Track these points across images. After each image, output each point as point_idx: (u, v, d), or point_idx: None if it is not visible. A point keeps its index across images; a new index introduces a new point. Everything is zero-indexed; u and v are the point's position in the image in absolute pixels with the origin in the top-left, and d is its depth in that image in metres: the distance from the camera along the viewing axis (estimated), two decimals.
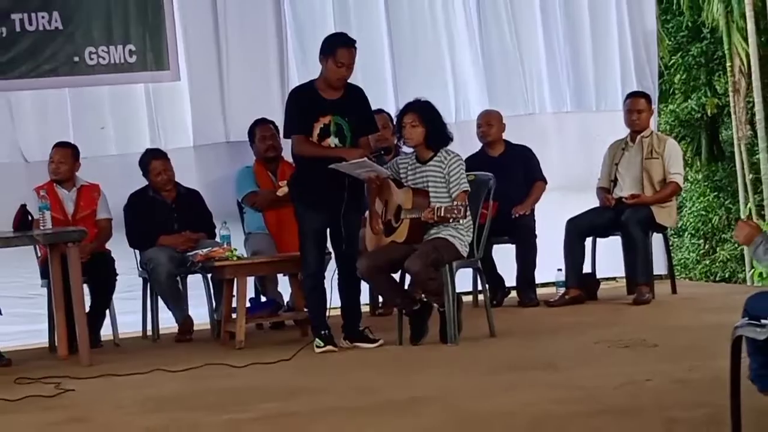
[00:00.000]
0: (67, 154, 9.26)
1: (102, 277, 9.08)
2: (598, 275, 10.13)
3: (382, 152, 8.45)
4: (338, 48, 8.01)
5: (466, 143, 9.70)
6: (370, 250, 8.27)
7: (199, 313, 9.49)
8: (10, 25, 9.81)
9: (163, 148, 9.79)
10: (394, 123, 8.62)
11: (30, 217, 8.74)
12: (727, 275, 23.03)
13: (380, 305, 9.94)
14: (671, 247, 11.02)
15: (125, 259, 9.49)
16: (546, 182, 10.02)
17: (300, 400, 6.41)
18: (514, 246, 9.83)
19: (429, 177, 8.04)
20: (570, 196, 10.42)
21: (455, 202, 7.86)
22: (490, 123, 10.07)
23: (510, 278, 9.98)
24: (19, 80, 9.90)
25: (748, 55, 20.49)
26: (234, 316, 8.66)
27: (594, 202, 10.00)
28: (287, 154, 8.84)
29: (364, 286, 8.59)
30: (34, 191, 9.00)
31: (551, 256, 9.85)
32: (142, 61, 10.19)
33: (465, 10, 11.04)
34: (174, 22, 10.26)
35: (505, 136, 10.08)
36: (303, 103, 8.10)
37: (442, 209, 7.81)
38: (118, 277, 9.26)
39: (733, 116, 22.11)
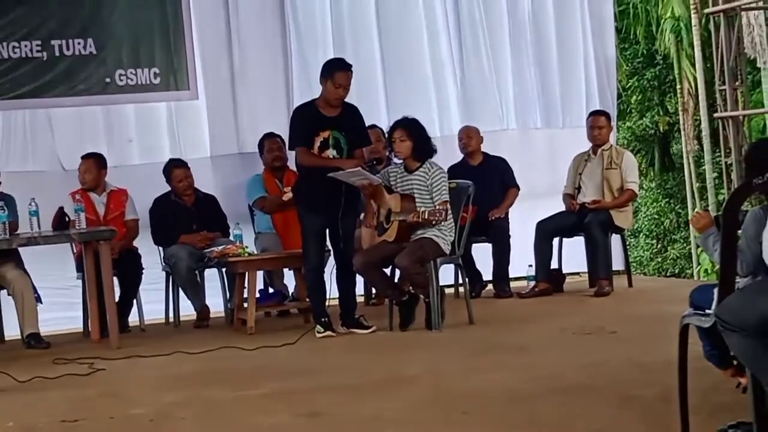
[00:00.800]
0: (91, 163, 9.23)
1: (130, 270, 9.06)
2: (564, 270, 10.11)
3: (375, 162, 8.44)
4: (336, 71, 8.01)
5: (448, 155, 9.69)
6: (364, 248, 8.28)
7: (215, 303, 9.47)
8: (50, 50, 9.79)
9: (184, 158, 9.78)
10: (386, 137, 8.62)
11: (67, 219, 8.74)
12: (677, 271, 23.01)
13: (373, 296, 9.92)
14: (628, 246, 10.99)
15: (150, 255, 9.47)
16: (519, 189, 10.01)
17: (303, 379, 6.42)
18: (490, 245, 9.82)
19: (414, 185, 8.06)
20: (539, 201, 10.40)
21: (437, 206, 7.88)
22: (470, 136, 10.06)
23: (487, 273, 9.96)
24: (57, 99, 9.87)
25: (695, 79, 20.49)
26: (245, 305, 8.65)
27: (560, 207, 9.99)
28: (292, 164, 8.83)
29: (359, 280, 8.60)
30: (70, 196, 9.00)
31: (523, 254, 9.86)
32: (165, 83, 10.17)
33: (447, 38, 11.03)
34: (194, 49, 10.23)
35: (483, 148, 10.07)
36: (305, 119, 8.10)
37: (426, 213, 7.84)
38: (144, 271, 9.25)
39: (682, 132, 22.12)
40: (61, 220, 8.72)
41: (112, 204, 9.22)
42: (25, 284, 8.57)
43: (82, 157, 9.27)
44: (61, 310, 9.44)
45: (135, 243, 9.31)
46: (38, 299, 8.65)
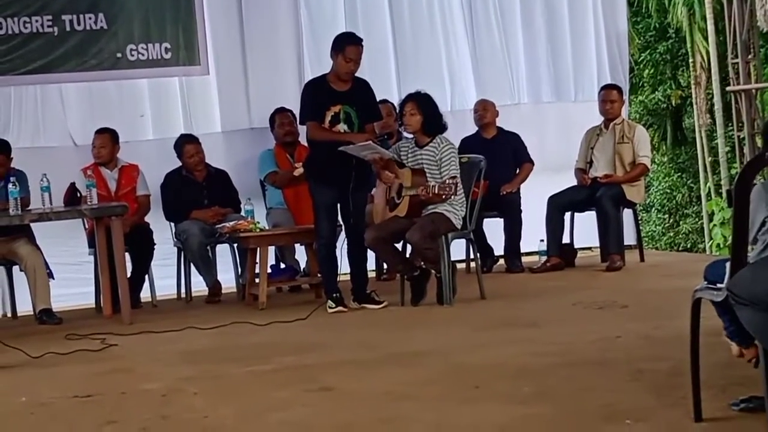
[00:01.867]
0: (106, 138, 9.24)
1: (142, 246, 9.07)
2: (576, 245, 10.11)
3: (386, 137, 8.44)
4: (347, 45, 8.00)
5: (459, 129, 9.69)
6: (375, 223, 8.28)
7: (227, 278, 9.49)
8: (61, 25, 9.78)
9: (195, 133, 9.78)
10: (397, 111, 8.61)
11: (78, 194, 8.75)
12: (689, 246, 22.96)
13: (384, 271, 9.93)
14: (640, 221, 11.00)
15: (162, 230, 9.48)
16: (533, 164, 10.00)
17: (314, 354, 6.43)
18: (502, 219, 9.82)
19: (425, 159, 8.05)
20: (551, 175, 10.39)
21: (447, 181, 7.86)
22: (486, 108, 10.07)
23: (498, 248, 9.96)
24: (68, 74, 9.86)
25: (708, 53, 20.40)
26: (257, 280, 8.67)
27: (572, 181, 9.98)
28: (303, 139, 8.82)
29: (371, 255, 8.61)
30: (81, 171, 9.01)
31: (534, 229, 9.84)
32: (176, 58, 10.15)
33: (460, 13, 11.01)
34: (204, 24, 10.22)
35: (497, 123, 10.07)
36: (316, 94, 8.09)
37: (436, 187, 7.83)
38: (155, 247, 9.27)
39: (694, 106, 22.03)
40: (72, 196, 8.74)
41: (124, 180, 9.23)
42: (38, 260, 8.60)
43: (97, 132, 9.28)
44: (73, 285, 9.46)
45: (146, 218, 9.32)
46: (50, 275, 8.68)
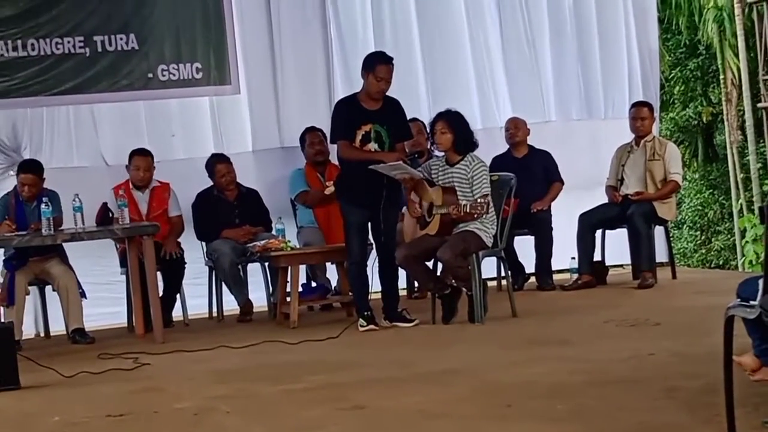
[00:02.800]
0: (149, 162, 9.22)
1: (173, 265, 9.10)
2: (607, 263, 10.07)
3: (416, 155, 8.45)
4: (378, 65, 8.02)
5: (490, 147, 9.70)
6: (406, 242, 8.28)
7: (258, 297, 9.51)
8: (92, 46, 9.85)
9: (226, 152, 9.81)
10: (428, 130, 8.61)
11: (110, 214, 8.79)
12: (721, 262, 22.83)
13: (416, 289, 9.92)
14: (671, 238, 10.96)
15: (193, 250, 9.51)
16: (563, 183, 9.98)
17: (346, 372, 6.42)
18: (533, 237, 9.81)
19: (455, 178, 8.05)
20: (581, 193, 10.38)
21: (478, 200, 7.86)
22: (517, 126, 10.07)
23: (530, 265, 9.94)
24: (100, 94, 9.92)
25: (738, 69, 20.32)
26: (288, 299, 8.68)
27: (603, 199, 9.97)
28: (334, 158, 8.84)
29: (402, 273, 8.60)
30: (112, 191, 9.03)
31: (566, 246, 9.83)
32: (207, 77, 10.20)
33: (490, 31, 11.02)
34: (235, 44, 10.27)
35: (528, 141, 10.07)
36: (347, 113, 8.11)
37: (468, 206, 7.83)
38: (186, 266, 9.29)
39: (725, 123, 21.94)
40: (104, 216, 8.78)
41: (155, 202, 9.23)
42: (70, 280, 8.65)
43: (137, 153, 9.24)
44: (106, 305, 9.50)
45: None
46: (83, 294, 8.72)
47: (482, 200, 7.85)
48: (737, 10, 18.30)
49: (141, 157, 9.23)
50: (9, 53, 9.65)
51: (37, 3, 9.71)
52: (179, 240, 9.30)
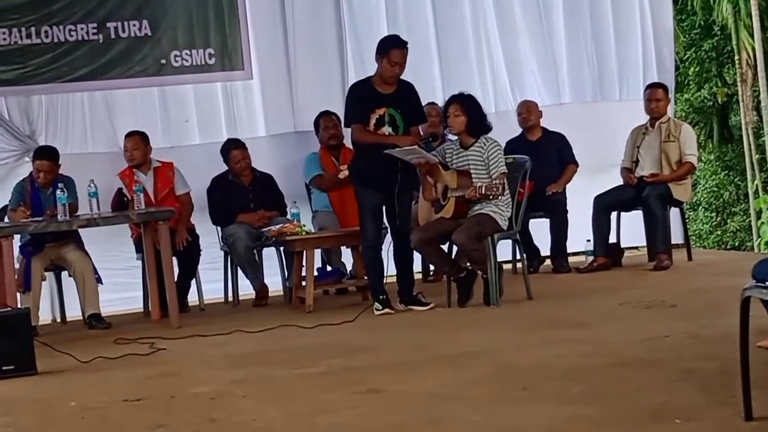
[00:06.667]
0: (137, 140, 9.25)
1: (188, 250, 9.12)
2: (623, 245, 10.07)
3: (430, 139, 8.44)
4: (392, 48, 8.01)
5: (504, 131, 9.67)
6: (421, 225, 8.28)
7: (274, 281, 9.53)
8: (106, 33, 9.87)
9: (240, 137, 9.83)
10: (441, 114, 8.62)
11: (125, 199, 8.82)
12: (737, 244, 22.82)
13: (431, 273, 9.94)
14: (687, 220, 10.93)
15: (209, 234, 9.54)
16: (577, 165, 9.97)
17: (362, 356, 6.43)
18: (548, 220, 9.80)
19: (470, 160, 8.04)
20: (597, 175, 10.37)
21: (494, 181, 7.86)
22: (529, 110, 10.06)
23: (545, 248, 9.94)
24: (114, 80, 9.95)
25: (753, 50, 20.31)
26: (304, 283, 8.70)
27: (618, 181, 9.95)
28: (348, 142, 8.84)
29: (417, 256, 8.60)
30: (119, 176, 9.07)
31: (581, 229, 9.81)
32: (220, 63, 10.22)
33: (502, 15, 11.00)
34: (248, 29, 10.28)
35: (541, 123, 10.06)
36: (361, 96, 8.11)
37: (483, 188, 7.82)
38: (202, 251, 9.32)
39: (741, 103, 21.92)
40: (120, 201, 8.82)
41: (159, 183, 9.23)
42: (86, 265, 8.68)
43: (127, 135, 9.31)
44: (122, 290, 9.55)
45: (193, 221, 9.35)
46: (99, 280, 8.76)
47: (498, 182, 7.84)
48: None
49: (128, 138, 9.28)
50: (23, 40, 9.68)
51: None
52: (193, 223, 9.32)
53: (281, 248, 9.27)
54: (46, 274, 8.85)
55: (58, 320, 9.34)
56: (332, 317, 7.92)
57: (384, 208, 8.15)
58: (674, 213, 9.91)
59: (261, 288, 9.37)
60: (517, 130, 10.07)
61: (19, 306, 7.70)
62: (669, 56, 11.51)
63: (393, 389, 5.42)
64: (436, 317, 7.88)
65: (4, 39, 9.63)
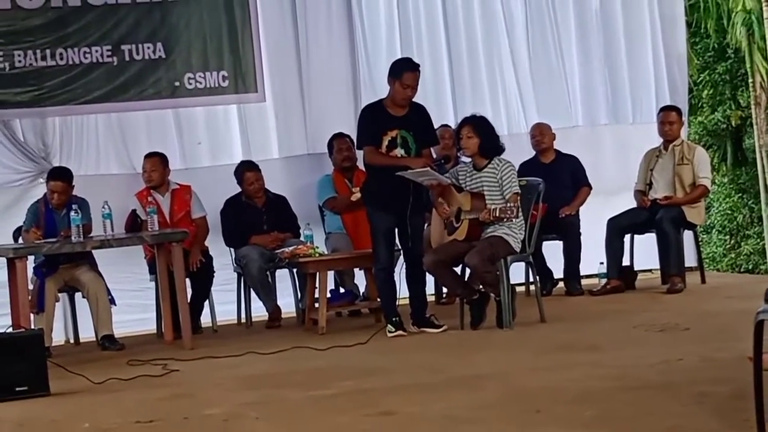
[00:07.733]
0: (156, 162, 9.31)
1: (202, 272, 9.13)
2: (636, 267, 10.06)
3: (443, 161, 8.44)
4: (404, 71, 8.02)
5: (516, 153, 9.66)
6: (434, 247, 8.29)
7: (287, 303, 9.54)
8: (120, 55, 9.91)
9: (253, 159, 9.85)
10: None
11: (139, 220, 8.84)
12: (750, 267, 22.72)
13: (444, 295, 9.93)
14: (700, 242, 10.94)
15: (222, 256, 9.56)
16: (591, 188, 9.96)
17: (375, 378, 6.43)
18: (561, 242, 9.79)
19: (484, 182, 8.04)
20: (609, 198, 10.37)
21: (508, 204, 7.86)
22: (542, 133, 10.07)
23: (558, 271, 9.93)
24: (128, 102, 9.98)
25: (767, 73, 20.28)
26: (316, 305, 8.69)
27: (631, 204, 9.94)
28: (361, 164, 8.86)
29: (430, 279, 8.60)
30: (135, 197, 9.11)
31: (594, 251, 9.79)
32: (233, 85, 10.24)
33: (516, 36, 11.02)
34: (261, 51, 10.30)
35: (554, 146, 10.07)
36: (373, 118, 8.13)
37: (497, 210, 7.83)
38: (215, 272, 9.33)
39: (755, 126, 21.86)
40: (134, 222, 8.83)
41: (176, 205, 9.28)
42: (99, 286, 8.69)
43: (146, 156, 9.37)
44: (135, 311, 9.55)
45: (206, 243, 9.37)
46: (112, 301, 8.77)
47: (512, 201, 7.84)
48: (766, 14, 18.28)
49: (147, 159, 9.35)
50: (38, 62, 9.72)
51: (65, 12, 9.78)
52: (207, 245, 9.34)
53: (294, 270, 9.28)
54: (59, 295, 8.88)
55: (72, 341, 9.34)
56: (345, 339, 7.92)
57: (396, 230, 8.15)
58: (688, 236, 9.90)
59: (274, 310, 9.37)
60: (530, 153, 10.07)
61: (32, 327, 7.71)
62: (682, 79, 11.50)
63: (405, 411, 5.42)
64: (449, 339, 7.87)
65: (20, 61, 9.67)
